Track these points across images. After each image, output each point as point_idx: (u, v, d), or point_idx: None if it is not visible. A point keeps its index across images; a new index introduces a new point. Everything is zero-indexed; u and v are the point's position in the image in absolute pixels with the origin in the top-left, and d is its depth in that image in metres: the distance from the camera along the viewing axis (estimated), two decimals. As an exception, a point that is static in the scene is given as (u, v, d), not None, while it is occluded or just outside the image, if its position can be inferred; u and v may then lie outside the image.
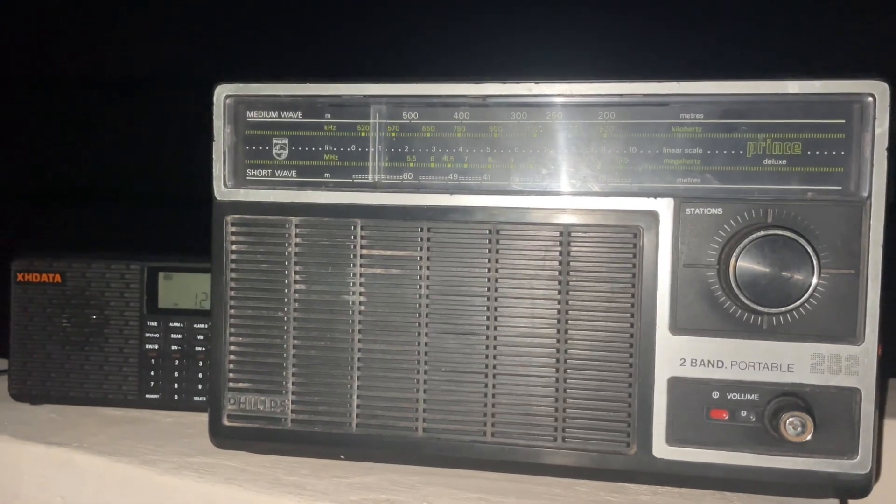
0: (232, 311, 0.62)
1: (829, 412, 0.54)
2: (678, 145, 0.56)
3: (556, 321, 0.57)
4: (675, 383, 0.56)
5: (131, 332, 0.75)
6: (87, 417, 0.73)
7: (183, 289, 0.76)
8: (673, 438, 0.56)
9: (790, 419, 0.53)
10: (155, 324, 0.75)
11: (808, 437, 0.52)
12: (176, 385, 0.75)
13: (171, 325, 0.75)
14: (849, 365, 0.53)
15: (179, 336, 0.75)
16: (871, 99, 0.53)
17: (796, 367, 0.54)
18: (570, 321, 0.57)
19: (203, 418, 0.71)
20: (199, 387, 0.74)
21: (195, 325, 0.75)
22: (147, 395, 0.75)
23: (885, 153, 0.53)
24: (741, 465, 0.55)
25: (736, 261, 0.53)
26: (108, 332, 0.75)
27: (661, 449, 0.56)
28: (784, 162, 0.55)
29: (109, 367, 0.75)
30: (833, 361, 0.54)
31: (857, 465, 0.53)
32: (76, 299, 0.76)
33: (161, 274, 0.76)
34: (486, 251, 0.58)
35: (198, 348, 0.74)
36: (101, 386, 0.75)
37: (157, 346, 0.75)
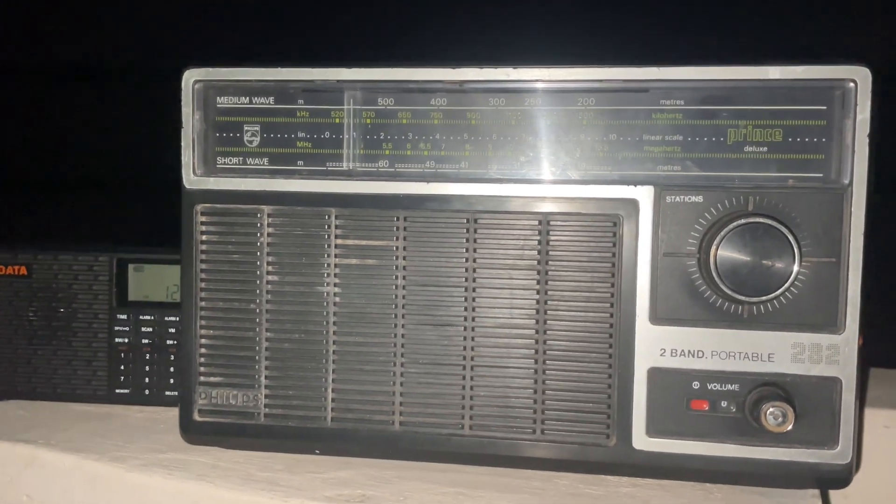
0: (202, 304, 0.60)
1: (810, 402, 0.53)
2: (658, 132, 0.55)
3: (534, 311, 0.56)
4: (654, 374, 0.55)
5: (100, 326, 0.73)
6: (56, 413, 0.71)
7: (154, 281, 0.74)
8: (653, 430, 0.55)
9: (771, 409, 0.52)
10: (125, 317, 0.73)
11: (789, 428, 0.52)
12: (147, 379, 0.73)
13: (141, 318, 0.73)
14: (829, 354, 0.53)
15: (150, 329, 0.73)
16: (852, 85, 0.52)
17: (777, 356, 0.53)
18: (549, 311, 0.56)
19: (175, 413, 0.69)
20: (171, 381, 0.72)
21: (166, 318, 0.73)
22: (117, 390, 0.73)
23: (867, 140, 0.52)
24: (722, 456, 0.54)
25: (716, 249, 0.52)
26: (76, 326, 0.73)
27: (641, 440, 0.55)
28: (765, 149, 0.54)
29: (78, 362, 0.73)
30: (814, 351, 0.53)
31: (837, 455, 0.53)
32: (43, 292, 0.73)
33: (131, 266, 0.74)
34: (464, 240, 0.57)
35: (169, 342, 0.73)
36: (69, 381, 0.73)
37: (127, 340, 0.73)
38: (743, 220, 0.52)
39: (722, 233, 0.52)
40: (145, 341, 0.73)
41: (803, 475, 0.54)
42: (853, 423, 0.53)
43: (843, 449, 0.53)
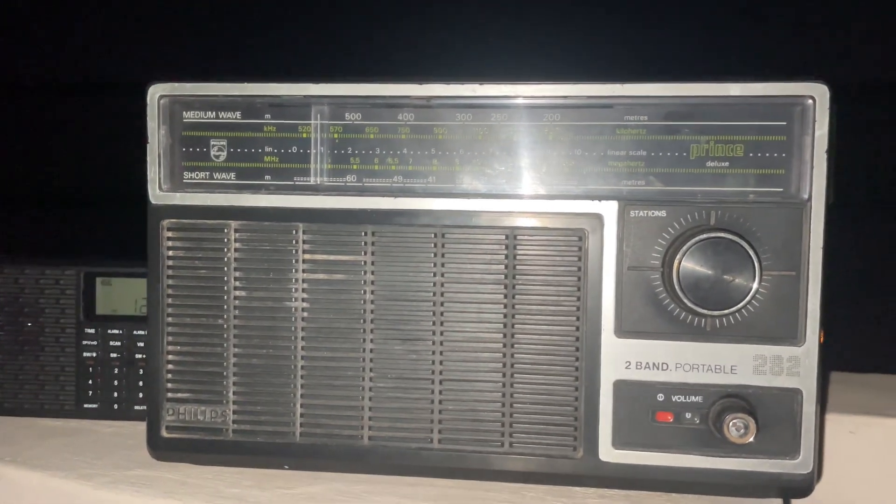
0: (169, 319, 0.60)
1: (772, 413, 0.54)
2: (622, 147, 0.56)
3: (502, 325, 0.57)
4: (620, 386, 0.55)
5: (68, 340, 0.73)
6: (24, 429, 0.70)
7: (122, 294, 0.73)
8: (619, 441, 0.56)
9: (733, 421, 0.53)
10: (93, 331, 0.73)
11: (751, 439, 0.53)
12: (115, 394, 0.72)
13: (109, 332, 0.72)
14: (790, 366, 0.54)
15: (119, 343, 0.72)
16: (811, 101, 0.53)
17: (739, 368, 0.54)
18: (516, 325, 0.56)
19: (145, 428, 0.68)
20: (140, 395, 0.72)
21: (135, 332, 0.72)
22: (86, 405, 0.73)
23: (825, 155, 0.53)
24: (686, 467, 0.55)
25: (679, 263, 0.53)
26: (43, 340, 0.73)
27: (608, 452, 0.56)
28: (727, 164, 0.55)
29: (45, 377, 0.73)
30: (775, 363, 0.54)
31: (799, 465, 0.54)
32: (9, 306, 0.73)
33: (98, 279, 0.73)
34: (432, 255, 0.57)
35: (138, 356, 0.72)
36: (37, 396, 0.73)
37: (95, 354, 0.72)
38: (705, 235, 0.52)
39: (684, 247, 0.53)
40: (114, 355, 0.72)
41: (766, 485, 0.54)
42: (814, 432, 0.54)
43: (804, 459, 0.54)
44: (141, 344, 0.72)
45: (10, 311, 0.72)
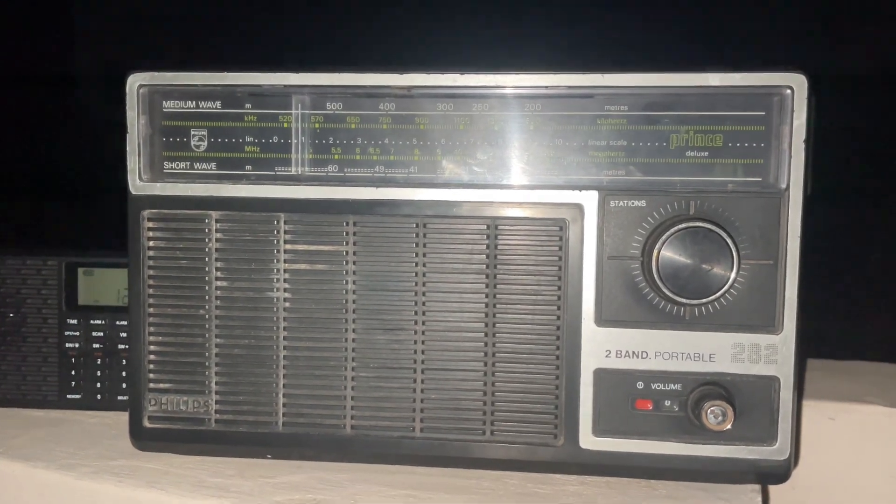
0: (150, 310, 0.59)
1: (750, 400, 0.55)
2: (603, 137, 0.56)
3: (483, 315, 0.57)
4: (600, 375, 0.56)
5: (50, 331, 0.72)
6: (6, 420, 0.70)
7: (104, 285, 0.73)
8: (599, 429, 0.56)
9: (711, 408, 0.53)
10: (75, 321, 0.72)
11: (729, 426, 0.53)
12: (98, 385, 0.72)
13: (92, 322, 0.72)
14: (768, 354, 0.54)
15: (101, 334, 0.72)
16: (789, 91, 0.53)
17: (718, 356, 0.55)
18: (497, 315, 0.57)
19: (127, 418, 0.68)
20: (124, 385, 0.72)
21: (118, 323, 0.72)
22: (69, 396, 0.72)
23: (803, 145, 0.53)
24: (665, 454, 0.55)
25: (658, 253, 0.53)
26: (25, 331, 0.72)
27: (588, 440, 0.56)
28: (706, 154, 0.55)
29: (28, 368, 0.72)
30: (753, 351, 0.55)
31: (776, 451, 0.55)
32: (-9, 297, 0.72)
33: (80, 269, 0.73)
34: (414, 245, 0.57)
35: (121, 346, 0.72)
36: (19, 387, 0.72)
37: (77, 345, 0.72)
38: (684, 225, 0.53)
39: (664, 237, 0.53)
40: (96, 346, 0.72)
41: (744, 471, 0.55)
42: (791, 420, 0.54)
43: (781, 445, 0.55)
44: (124, 334, 0.72)
45: (-7, 301, 0.72)
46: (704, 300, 0.53)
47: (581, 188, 0.56)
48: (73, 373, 0.72)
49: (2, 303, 0.72)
